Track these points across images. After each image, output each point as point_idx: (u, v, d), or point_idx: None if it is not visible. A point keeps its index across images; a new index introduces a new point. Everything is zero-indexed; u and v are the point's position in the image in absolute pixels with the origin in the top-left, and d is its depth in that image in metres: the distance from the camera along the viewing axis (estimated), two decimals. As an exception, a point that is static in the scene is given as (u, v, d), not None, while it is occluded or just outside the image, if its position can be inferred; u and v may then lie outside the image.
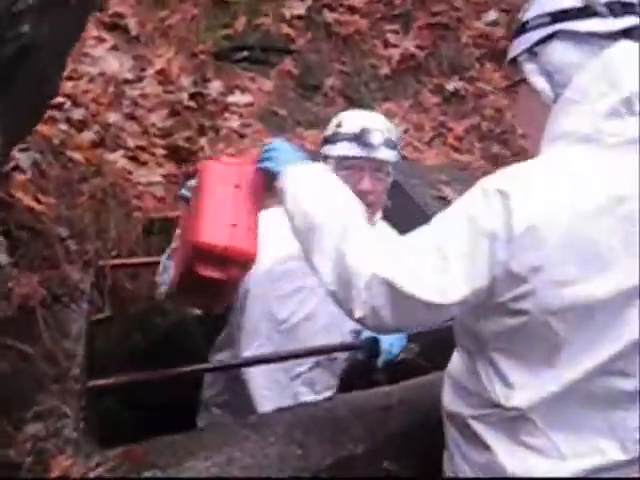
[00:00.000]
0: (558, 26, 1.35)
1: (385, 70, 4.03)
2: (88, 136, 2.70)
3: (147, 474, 1.49)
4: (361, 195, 2.12)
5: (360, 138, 2.13)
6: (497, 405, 1.35)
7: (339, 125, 2.19)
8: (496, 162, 3.85)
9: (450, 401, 1.49)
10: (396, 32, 4.25)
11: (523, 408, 1.32)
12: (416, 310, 1.27)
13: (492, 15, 4.61)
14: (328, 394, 2.17)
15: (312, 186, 1.50)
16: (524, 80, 1.41)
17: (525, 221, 1.24)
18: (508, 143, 3.92)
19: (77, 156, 2.49)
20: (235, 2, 3.98)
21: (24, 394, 1.61)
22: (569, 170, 1.28)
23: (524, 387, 1.32)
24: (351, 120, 2.19)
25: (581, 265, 1.24)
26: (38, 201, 2.08)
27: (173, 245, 2.03)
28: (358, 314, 1.30)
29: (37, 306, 1.76)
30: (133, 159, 2.79)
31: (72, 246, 2.06)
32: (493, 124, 4.00)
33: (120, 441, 1.64)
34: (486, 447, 1.38)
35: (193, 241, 1.60)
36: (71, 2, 1.32)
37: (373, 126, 2.16)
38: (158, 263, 2.43)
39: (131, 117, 3.06)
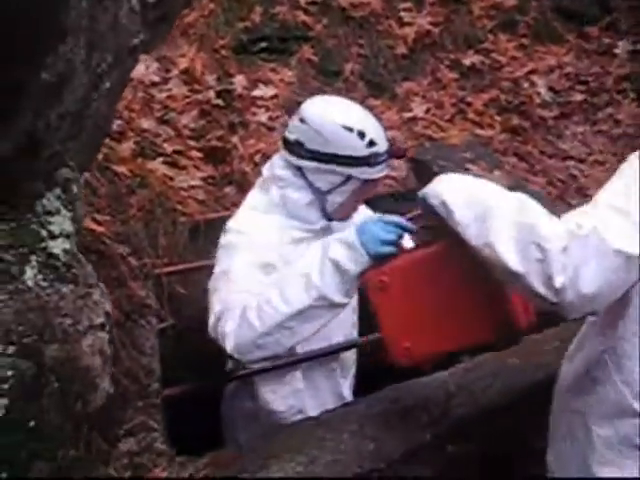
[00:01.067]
0: None
1: (402, 49, 4.07)
2: (128, 146, 2.78)
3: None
4: (355, 209, 2.14)
5: (389, 154, 2.05)
6: None
7: (372, 144, 2.01)
8: (517, 134, 3.92)
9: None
10: (409, 10, 4.27)
11: None
12: (618, 267, 1.32)
13: (503, -16, 4.62)
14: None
15: (472, 184, 1.58)
16: None
17: None
18: (527, 114, 3.97)
19: (122, 169, 2.57)
20: (249, -7, 4.02)
21: (113, 412, 1.72)
22: None
23: None
24: (378, 136, 2.03)
25: None
26: (96, 221, 2.17)
27: None
28: (559, 280, 1.31)
29: (113, 326, 1.87)
30: (172, 165, 2.87)
31: (133, 262, 2.15)
32: (511, 96, 4.04)
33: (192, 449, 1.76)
34: None
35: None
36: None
37: (382, 145, 2.03)
38: (207, 267, 2.53)
39: (163, 121, 3.13)
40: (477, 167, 3.31)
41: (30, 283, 0.99)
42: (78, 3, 1.09)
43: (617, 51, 4.45)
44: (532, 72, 4.23)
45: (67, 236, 1.12)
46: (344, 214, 2.10)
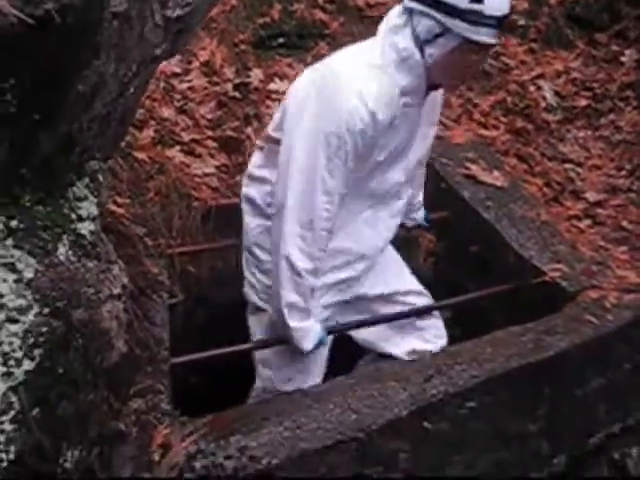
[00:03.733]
0: None
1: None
2: (148, 134, 2.99)
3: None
4: (451, 85, 2.23)
5: (500, 24, 1.99)
6: None
7: (479, 0, 1.95)
8: (520, 136, 4.09)
9: None
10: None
11: None
12: None
13: (515, -12, 4.78)
14: None
15: None
16: None
17: None
18: (531, 117, 4.13)
19: (142, 156, 2.79)
20: (270, -10, 4.20)
21: (125, 374, 1.94)
22: None
23: None
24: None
25: None
26: (117, 204, 2.39)
27: None
28: None
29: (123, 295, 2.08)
30: (188, 153, 3.08)
31: (149, 242, 2.37)
32: (517, 99, 4.21)
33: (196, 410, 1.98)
34: None
35: None
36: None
37: (508, 7, 1.99)
38: (218, 249, 2.74)
39: (182, 111, 3.34)
40: (477, 166, 3.49)
41: (62, 258, 1.21)
42: (110, 23, 1.30)
43: (624, 59, 4.60)
44: (539, 76, 4.40)
45: (93, 219, 1.33)
46: (445, 80, 2.12)
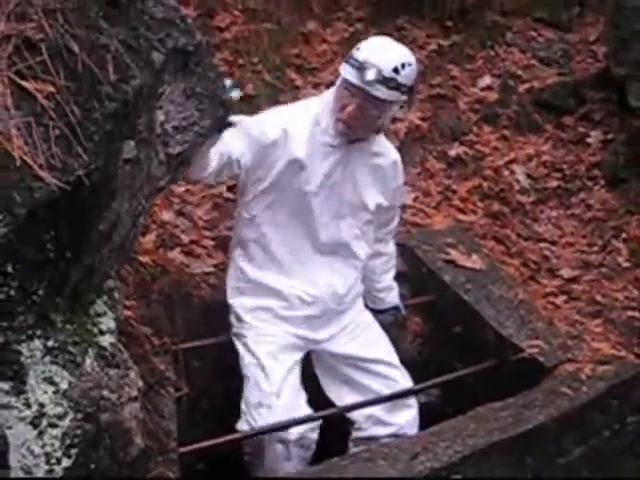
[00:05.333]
0: None
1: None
2: (150, 239, 3.25)
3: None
4: (336, 120, 2.62)
5: (360, 70, 2.48)
6: None
7: (358, 48, 2.57)
8: (496, 218, 4.37)
9: None
10: (401, 106, 4.77)
11: None
12: None
13: (486, 80, 5.14)
14: None
15: None
16: None
17: None
18: (506, 200, 4.42)
19: (146, 259, 3.04)
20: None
21: (142, 465, 2.13)
22: None
23: None
24: (366, 48, 2.55)
25: None
26: (126, 306, 2.62)
27: None
28: None
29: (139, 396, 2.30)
30: (188, 254, 3.34)
31: (155, 341, 2.60)
32: (493, 183, 4.50)
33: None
34: None
35: None
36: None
37: (376, 61, 2.48)
38: (218, 344, 2.97)
39: (181, 214, 3.62)
40: (456, 251, 3.75)
41: (89, 369, 1.44)
42: (123, 169, 1.57)
43: (590, 140, 4.91)
44: (512, 161, 4.70)
45: (112, 332, 1.57)
46: (341, 118, 2.57)
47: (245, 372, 2.72)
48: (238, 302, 2.84)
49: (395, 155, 2.96)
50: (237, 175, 2.79)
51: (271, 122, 2.70)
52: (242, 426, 2.63)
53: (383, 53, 2.55)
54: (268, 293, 2.79)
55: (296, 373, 2.71)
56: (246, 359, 2.72)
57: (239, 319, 2.83)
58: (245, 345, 2.75)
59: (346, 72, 2.56)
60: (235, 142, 2.57)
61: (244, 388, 2.70)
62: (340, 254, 2.81)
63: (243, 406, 2.66)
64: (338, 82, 2.64)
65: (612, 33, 4.74)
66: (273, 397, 2.57)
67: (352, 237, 2.80)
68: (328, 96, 2.72)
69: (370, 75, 2.46)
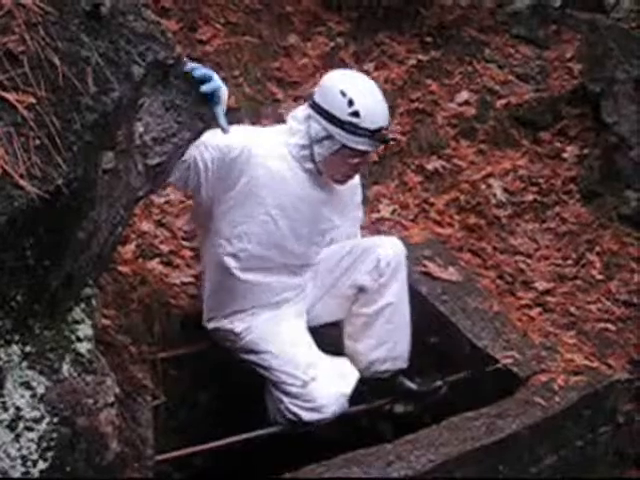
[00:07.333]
0: None
1: (374, 157, 4.61)
2: (130, 249, 3.28)
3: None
4: (335, 181, 2.59)
5: (375, 136, 2.45)
6: None
7: (356, 114, 2.44)
8: (473, 231, 4.43)
9: None
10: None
11: None
12: None
13: (464, 95, 5.21)
14: None
15: None
16: None
17: None
18: (483, 213, 4.48)
19: (125, 269, 3.07)
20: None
21: (118, 470, 2.15)
22: None
23: None
24: (368, 113, 2.43)
25: None
26: (104, 315, 2.64)
27: None
28: None
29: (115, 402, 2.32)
30: (167, 264, 3.36)
31: (133, 350, 2.62)
32: (470, 197, 4.56)
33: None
34: None
35: None
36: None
37: (384, 123, 2.46)
38: (196, 352, 3.00)
39: (161, 224, 3.64)
40: (433, 264, 3.80)
41: (66, 374, 1.47)
42: (102, 179, 1.60)
43: (566, 155, 5.00)
44: (489, 175, 4.76)
45: (89, 339, 1.60)
46: (329, 173, 2.54)
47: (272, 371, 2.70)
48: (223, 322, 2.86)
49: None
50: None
51: (238, 139, 2.65)
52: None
53: (382, 109, 2.52)
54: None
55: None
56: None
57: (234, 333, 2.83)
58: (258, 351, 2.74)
59: (356, 143, 2.46)
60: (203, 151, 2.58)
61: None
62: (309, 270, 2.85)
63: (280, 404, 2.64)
64: (334, 149, 2.51)
65: (587, 51, 4.84)
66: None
67: (316, 254, 2.86)
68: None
69: (384, 136, 2.50)
